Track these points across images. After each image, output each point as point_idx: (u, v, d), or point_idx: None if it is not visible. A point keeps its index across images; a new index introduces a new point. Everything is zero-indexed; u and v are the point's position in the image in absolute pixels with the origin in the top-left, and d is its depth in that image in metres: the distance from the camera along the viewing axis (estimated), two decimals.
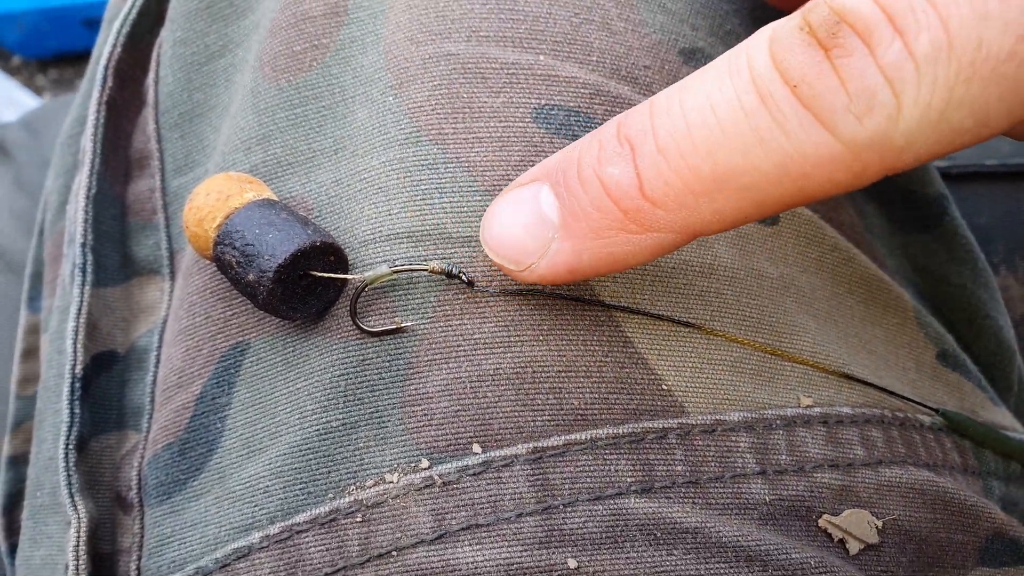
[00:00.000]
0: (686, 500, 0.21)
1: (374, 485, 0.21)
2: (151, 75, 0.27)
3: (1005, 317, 0.30)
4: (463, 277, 0.21)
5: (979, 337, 0.29)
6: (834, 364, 0.24)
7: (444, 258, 0.21)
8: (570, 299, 0.21)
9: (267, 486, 0.22)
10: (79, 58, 0.99)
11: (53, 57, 1.02)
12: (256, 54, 0.25)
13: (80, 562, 0.23)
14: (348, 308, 0.21)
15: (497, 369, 0.21)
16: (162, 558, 0.23)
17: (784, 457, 0.22)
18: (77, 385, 0.25)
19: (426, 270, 0.21)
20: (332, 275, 0.21)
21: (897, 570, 0.23)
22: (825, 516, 0.22)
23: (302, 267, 0.21)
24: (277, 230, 0.21)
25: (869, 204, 0.28)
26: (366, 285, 0.21)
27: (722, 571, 0.20)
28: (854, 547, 0.22)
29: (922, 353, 0.26)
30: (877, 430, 0.24)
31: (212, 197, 0.21)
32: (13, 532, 0.33)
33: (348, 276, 0.21)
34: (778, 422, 0.22)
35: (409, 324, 0.21)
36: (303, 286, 0.21)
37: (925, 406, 0.25)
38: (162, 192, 0.27)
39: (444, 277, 0.21)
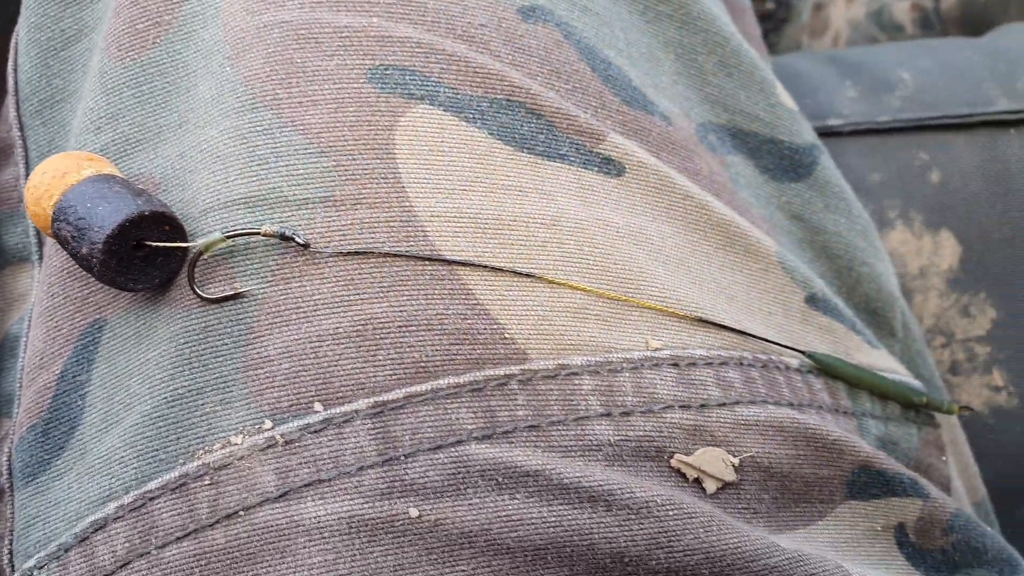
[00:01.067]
0: (528, 444, 0.21)
1: (221, 448, 0.21)
2: (11, 62, 0.28)
3: (886, 265, 0.31)
4: (297, 239, 0.21)
5: (859, 283, 0.30)
6: (687, 309, 0.24)
7: (280, 221, 0.22)
8: (409, 257, 0.22)
9: (122, 456, 0.22)
10: None
11: None
12: (103, 35, 0.25)
13: None
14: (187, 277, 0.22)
15: (337, 328, 0.21)
16: (28, 539, 0.23)
17: (630, 399, 0.22)
18: None
19: (259, 234, 0.21)
20: (165, 244, 0.21)
21: (759, 506, 0.23)
22: (677, 456, 0.22)
23: (134, 237, 0.21)
24: (107, 203, 0.21)
25: (734, 155, 0.28)
26: (200, 253, 0.21)
27: (564, 512, 0.20)
28: (711, 486, 0.22)
29: (789, 297, 0.27)
30: (735, 371, 0.24)
31: (48, 176, 0.22)
32: None
33: (182, 244, 0.21)
34: (624, 365, 0.22)
35: (248, 288, 0.21)
36: (140, 257, 0.21)
37: (790, 348, 0.25)
38: (27, 179, 0.27)
39: (279, 240, 0.21)
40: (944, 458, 0.31)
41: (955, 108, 0.36)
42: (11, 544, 0.24)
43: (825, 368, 0.26)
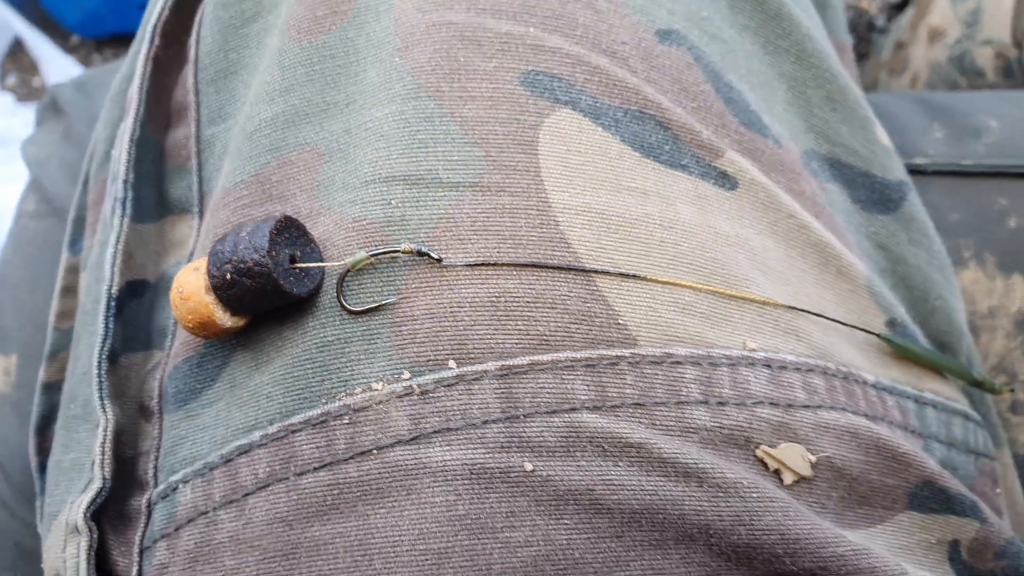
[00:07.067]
0: (632, 419, 0.23)
1: (362, 392, 0.24)
2: (193, 35, 0.31)
3: (958, 300, 0.33)
4: (432, 255, 0.24)
5: (932, 315, 0.32)
6: (781, 314, 0.26)
7: (433, 201, 0.24)
8: (542, 267, 0.24)
9: (269, 392, 0.25)
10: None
11: (110, 38, 1.07)
12: (284, 18, 0.28)
13: (105, 456, 0.27)
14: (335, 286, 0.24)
15: (475, 297, 0.24)
16: (175, 456, 0.26)
17: (727, 391, 0.24)
18: (112, 303, 0.28)
19: (399, 252, 0.24)
20: (319, 264, 0.24)
21: (828, 503, 0.25)
22: (762, 447, 0.24)
23: (287, 252, 0.24)
24: (246, 231, 0.24)
25: (832, 183, 0.30)
26: (348, 271, 0.24)
27: (661, 483, 0.23)
28: (788, 478, 0.25)
29: (872, 319, 0.29)
30: (819, 379, 0.26)
31: (181, 282, 0.24)
32: (43, 451, 0.37)
33: (332, 264, 0.24)
34: (723, 360, 0.25)
35: (390, 301, 0.24)
36: (294, 272, 0.24)
37: (864, 330, 0.27)
38: (196, 140, 0.30)
39: (416, 256, 0.24)
40: (998, 491, 0.33)
41: None
42: (156, 460, 0.27)
43: (894, 347, 0.28)
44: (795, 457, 0.25)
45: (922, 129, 0.40)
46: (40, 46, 1.00)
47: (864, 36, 0.98)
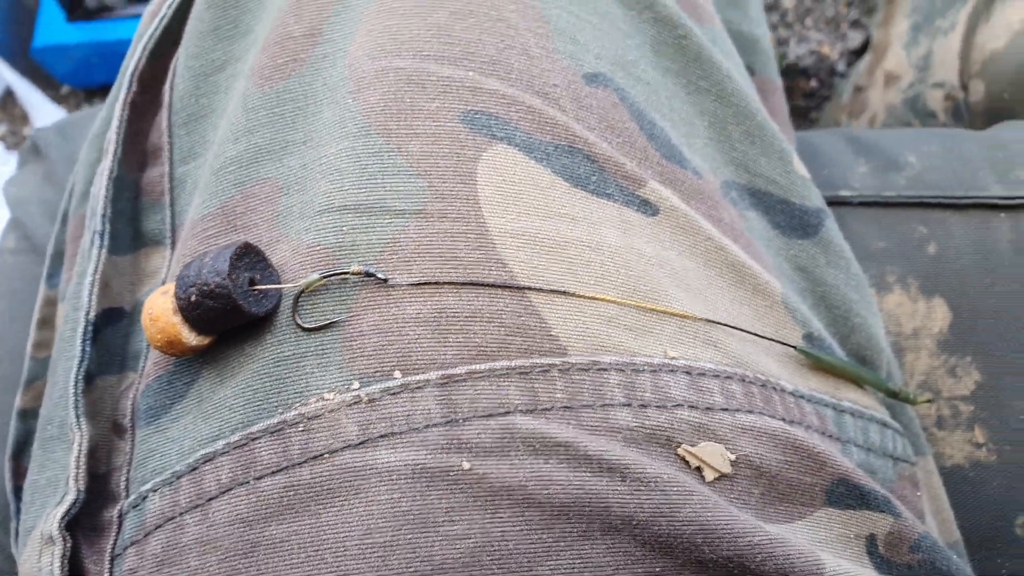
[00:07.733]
0: (561, 420, 0.26)
1: (315, 402, 0.26)
2: (168, 82, 0.34)
3: (877, 318, 0.35)
4: (379, 276, 0.26)
5: (852, 333, 0.34)
6: (700, 326, 0.29)
7: (381, 227, 0.27)
8: (480, 285, 0.26)
9: (232, 404, 0.27)
10: None
11: (99, 88, 1.10)
12: (250, 64, 0.31)
13: (80, 470, 0.29)
14: (291, 304, 0.27)
15: (418, 313, 0.26)
16: (146, 468, 0.28)
17: (648, 394, 0.27)
18: (89, 328, 0.31)
19: (349, 273, 0.26)
20: (276, 286, 0.26)
21: (749, 499, 0.28)
22: (684, 446, 0.27)
23: (245, 277, 0.26)
24: (210, 258, 0.26)
25: (751, 211, 0.33)
26: (302, 291, 0.27)
27: (587, 478, 0.25)
28: (710, 475, 0.27)
29: (789, 333, 0.31)
30: (737, 385, 0.29)
31: (151, 305, 0.27)
32: (19, 475, 0.39)
33: (288, 286, 0.26)
34: (645, 367, 0.27)
35: (341, 319, 0.26)
36: (253, 293, 0.26)
37: (779, 341, 0.30)
38: (169, 177, 0.33)
39: (364, 277, 0.26)
40: (918, 494, 0.35)
41: (953, 190, 0.41)
42: (128, 473, 0.29)
43: (810, 357, 0.30)
44: (715, 455, 0.27)
45: (849, 164, 0.43)
46: (31, 96, 1.03)
47: (826, 81, 1.03)
